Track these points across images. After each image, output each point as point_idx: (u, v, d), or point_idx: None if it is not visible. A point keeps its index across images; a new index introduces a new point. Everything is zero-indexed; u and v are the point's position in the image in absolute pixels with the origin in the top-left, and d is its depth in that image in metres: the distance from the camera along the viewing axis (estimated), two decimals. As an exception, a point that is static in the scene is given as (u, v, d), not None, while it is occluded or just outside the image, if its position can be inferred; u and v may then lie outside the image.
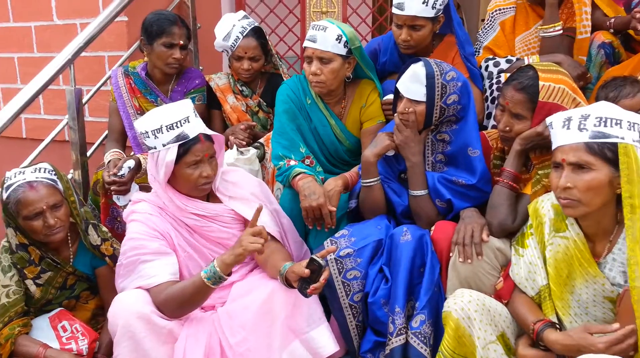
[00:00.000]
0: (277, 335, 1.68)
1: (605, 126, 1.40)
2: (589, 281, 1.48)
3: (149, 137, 1.75)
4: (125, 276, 1.74)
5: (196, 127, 1.76)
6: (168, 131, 1.73)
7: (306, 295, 1.62)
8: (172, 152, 1.72)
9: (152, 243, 1.74)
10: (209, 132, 1.82)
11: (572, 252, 1.50)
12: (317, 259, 1.60)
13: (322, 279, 1.59)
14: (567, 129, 1.45)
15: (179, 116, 1.74)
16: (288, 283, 1.68)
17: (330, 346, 1.74)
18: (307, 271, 1.59)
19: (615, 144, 1.39)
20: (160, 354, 1.64)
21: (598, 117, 1.41)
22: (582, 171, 1.42)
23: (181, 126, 1.73)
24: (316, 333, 1.73)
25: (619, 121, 1.40)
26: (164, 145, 1.73)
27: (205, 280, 1.61)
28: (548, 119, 1.54)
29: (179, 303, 1.65)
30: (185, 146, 1.74)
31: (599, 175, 1.40)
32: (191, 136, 1.74)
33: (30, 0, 3.07)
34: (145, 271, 1.70)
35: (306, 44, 2.13)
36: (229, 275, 1.64)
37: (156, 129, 1.73)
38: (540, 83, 1.70)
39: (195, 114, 1.80)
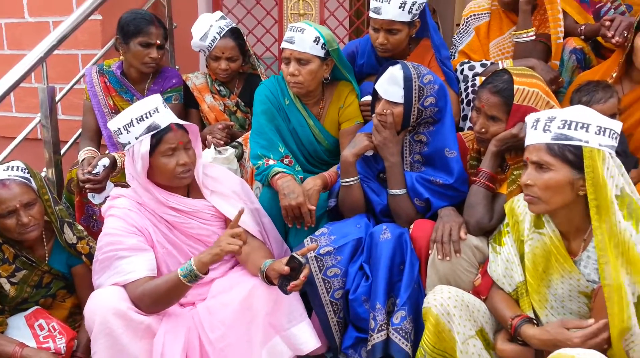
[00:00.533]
0: (257, 331, 1.68)
1: (569, 128, 1.44)
2: (564, 277, 1.53)
3: (121, 133, 1.76)
4: (101, 272, 1.72)
5: (167, 117, 1.78)
6: (138, 122, 1.74)
7: (286, 292, 1.62)
8: (146, 143, 1.72)
9: (129, 239, 1.72)
10: (182, 122, 1.82)
11: (549, 248, 1.55)
12: (297, 257, 1.60)
13: (302, 276, 1.60)
14: (535, 130, 1.50)
15: (148, 107, 1.76)
16: (268, 281, 1.68)
17: (311, 342, 1.74)
18: (287, 268, 1.59)
19: (579, 148, 1.43)
20: (138, 349, 1.63)
21: (563, 120, 1.45)
22: (542, 170, 1.47)
23: (151, 116, 1.75)
24: (297, 330, 1.73)
25: (585, 125, 1.43)
26: (136, 138, 1.74)
27: (181, 277, 1.60)
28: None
29: (155, 299, 1.63)
30: (158, 136, 1.74)
31: (556, 175, 1.45)
32: (162, 126, 1.75)
33: (1, -3, 3.00)
34: (122, 267, 1.69)
35: (284, 45, 2.15)
36: (206, 273, 1.63)
37: (127, 124, 1.74)
38: (515, 87, 1.74)
39: (165, 106, 1.81)
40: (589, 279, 1.51)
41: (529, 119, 1.54)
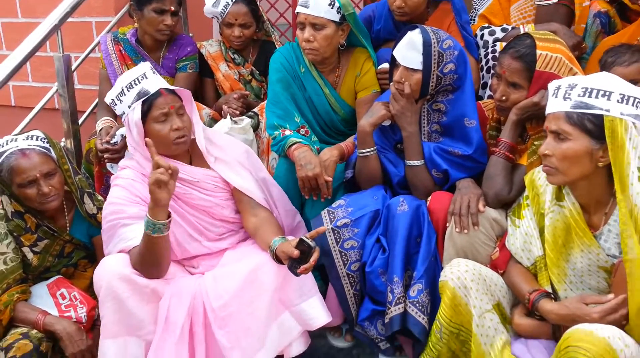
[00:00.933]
0: (263, 304, 1.68)
1: (589, 96, 1.39)
2: (584, 251, 1.51)
3: (116, 104, 1.79)
4: (108, 241, 1.75)
5: (156, 82, 1.78)
6: (128, 90, 1.76)
7: (296, 274, 1.62)
8: (137, 109, 1.74)
9: (131, 207, 1.74)
10: (172, 87, 1.82)
11: (569, 221, 1.52)
12: (307, 240, 1.59)
13: (311, 260, 1.59)
14: (555, 98, 1.46)
15: (136, 74, 1.78)
16: (278, 260, 1.68)
17: (321, 317, 1.74)
18: (296, 252, 1.59)
19: (599, 116, 1.38)
20: (144, 312, 1.66)
21: (584, 88, 1.41)
22: (560, 139, 1.43)
23: (139, 82, 1.76)
24: (307, 305, 1.74)
25: (607, 93, 1.38)
26: (129, 107, 1.75)
27: (145, 231, 1.61)
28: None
29: (140, 260, 1.64)
30: (148, 102, 1.75)
31: (574, 145, 1.41)
32: (152, 91, 1.75)
33: (13, -37, 2.97)
34: (125, 234, 1.71)
35: (299, 9, 2.10)
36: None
37: (119, 94, 1.77)
38: (538, 52, 1.69)
39: (154, 72, 1.81)
40: (609, 254, 1.49)
41: (551, 86, 1.50)
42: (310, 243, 1.59)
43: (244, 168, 1.90)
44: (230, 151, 1.92)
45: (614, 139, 1.37)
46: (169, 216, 1.62)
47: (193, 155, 1.90)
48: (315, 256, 1.60)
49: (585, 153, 1.41)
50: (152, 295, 1.68)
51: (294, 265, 1.60)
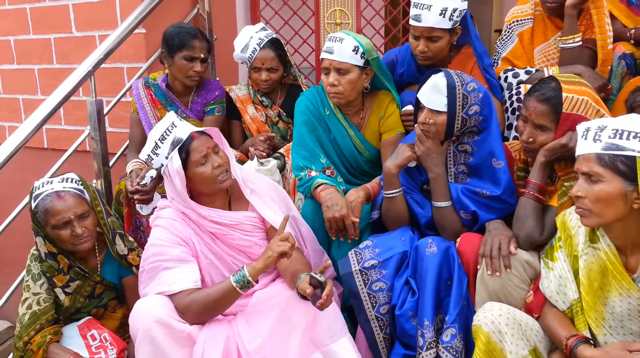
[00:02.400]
0: (295, 345, 1.67)
1: (620, 138, 1.39)
2: (623, 295, 1.47)
3: (152, 159, 1.82)
4: (147, 282, 1.76)
5: (186, 128, 1.82)
6: (162, 142, 1.79)
7: (320, 309, 1.62)
8: (176, 159, 1.77)
9: (173, 249, 1.76)
10: (200, 129, 1.86)
11: (605, 263, 1.49)
12: (315, 276, 1.59)
13: (323, 294, 1.57)
14: (585, 140, 1.46)
15: (165, 124, 1.81)
16: (302, 296, 1.68)
17: None
18: (309, 289, 1.59)
19: (631, 158, 1.38)
20: (179, 357, 1.65)
21: (614, 129, 1.41)
22: (592, 181, 1.42)
23: (171, 132, 1.79)
24: (337, 346, 1.71)
25: (638, 134, 1.38)
26: (166, 157, 1.78)
27: (233, 283, 1.65)
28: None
29: (205, 307, 1.67)
30: (184, 148, 1.79)
31: (607, 187, 1.40)
32: (184, 137, 1.79)
33: (50, 13, 3.10)
34: (166, 278, 1.72)
35: (323, 55, 2.15)
36: (257, 281, 1.66)
37: (153, 148, 1.80)
38: (564, 94, 1.70)
39: (180, 119, 1.85)
40: (649, 297, 1.45)
41: (580, 128, 1.49)
42: (319, 277, 1.59)
43: (276, 204, 1.93)
44: (262, 189, 1.95)
45: None
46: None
47: (232, 197, 1.93)
48: (327, 290, 1.58)
49: (619, 195, 1.40)
50: (188, 340, 1.68)
51: (315, 300, 1.60)
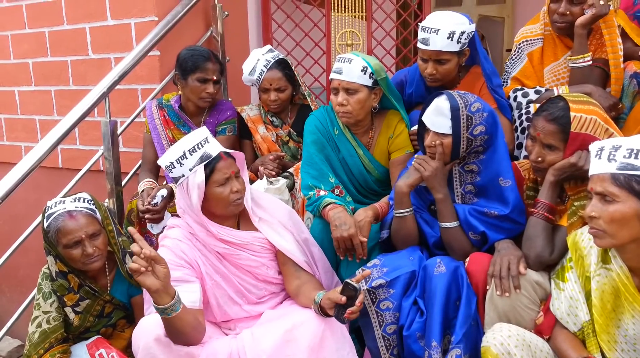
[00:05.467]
0: None
1: (635, 158, 1.38)
2: (636, 317, 1.45)
3: (174, 167, 1.80)
4: (150, 301, 1.75)
5: (216, 146, 1.83)
6: (191, 154, 1.78)
7: (343, 321, 1.61)
8: (200, 173, 1.77)
9: (176, 271, 1.75)
10: (228, 150, 1.87)
11: (618, 285, 1.47)
12: (352, 283, 1.58)
13: (357, 302, 1.57)
14: (599, 159, 1.44)
15: (199, 138, 1.81)
16: (323, 312, 1.67)
17: None
18: (343, 298, 1.58)
19: None
20: None
21: (629, 149, 1.39)
22: (607, 202, 1.40)
23: (202, 146, 1.80)
24: None
25: None
26: (190, 169, 1.78)
27: (157, 312, 1.59)
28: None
29: (168, 333, 1.64)
30: (211, 166, 1.79)
31: (623, 207, 1.38)
32: (214, 155, 1.80)
33: (67, 36, 3.19)
34: None
35: (332, 76, 2.18)
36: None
37: (180, 157, 1.79)
38: (572, 114, 1.70)
39: (212, 136, 1.86)
40: (662, 320, 1.43)
41: (593, 147, 1.48)
42: (356, 285, 1.58)
43: (287, 230, 1.92)
44: (274, 213, 1.95)
45: None
46: (173, 295, 1.59)
47: (241, 218, 1.94)
48: (361, 298, 1.58)
49: (634, 216, 1.38)
50: (187, 357, 1.67)
51: (340, 311, 1.59)
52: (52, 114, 3.35)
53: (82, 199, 1.92)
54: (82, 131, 3.20)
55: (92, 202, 1.94)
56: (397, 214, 1.94)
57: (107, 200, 2.53)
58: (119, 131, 2.63)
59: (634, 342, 1.47)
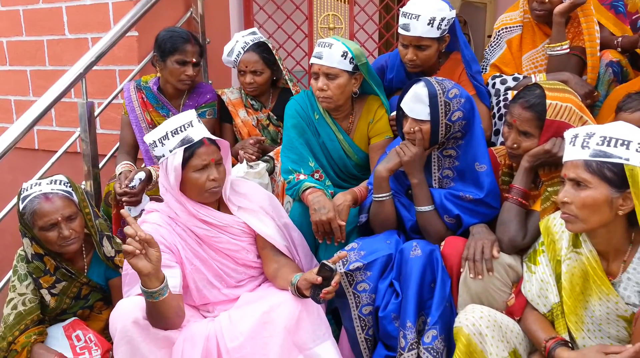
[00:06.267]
0: (276, 346, 1.66)
1: (608, 145, 1.41)
2: (602, 299, 1.49)
3: (156, 146, 1.81)
4: (128, 285, 1.77)
5: (200, 131, 1.81)
6: (173, 136, 1.79)
7: (319, 301, 1.63)
8: (179, 156, 1.77)
9: None
10: (214, 137, 1.86)
11: (587, 268, 1.51)
12: (328, 264, 1.61)
13: (333, 283, 1.60)
14: (573, 146, 1.47)
15: (183, 121, 1.81)
16: (300, 293, 1.69)
17: None
18: (319, 278, 1.60)
19: (618, 165, 1.39)
20: (157, 357, 1.65)
21: (602, 136, 1.42)
22: (579, 188, 1.43)
23: (185, 129, 1.79)
24: (320, 350, 1.71)
25: (626, 142, 1.39)
26: (170, 151, 1.78)
27: (143, 295, 1.60)
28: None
29: (149, 317, 1.65)
30: (191, 150, 1.79)
31: (594, 193, 1.41)
32: (195, 139, 1.79)
33: (43, 15, 3.12)
34: None
35: (313, 60, 2.17)
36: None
37: (162, 137, 1.79)
38: (547, 101, 1.72)
39: (199, 121, 1.85)
40: (628, 302, 1.47)
41: (567, 134, 1.51)
42: (332, 266, 1.60)
43: (267, 215, 1.93)
44: (254, 198, 1.95)
45: (636, 189, 1.37)
46: (162, 280, 1.59)
47: (221, 203, 1.94)
48: (337, 278, 1.61)
49: (605, 202, 1.41)
50: (166, 341, 1.68)
51: (316, 292, 1.62)
52: (28, 94, 3.29)
53: (58, 182, 1.90)
54: (58, 112, 3.15)
55: (69, 184, 1.92)
56: (376, 199, 1.96)
57: (84, 182, 2.50)
58: (96, 113, 2.59)
59: (600, 323, 1.51)
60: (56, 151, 2.64)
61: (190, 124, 1.81)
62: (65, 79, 2.42)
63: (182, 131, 1.79)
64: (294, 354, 1.70)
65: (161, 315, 1.63)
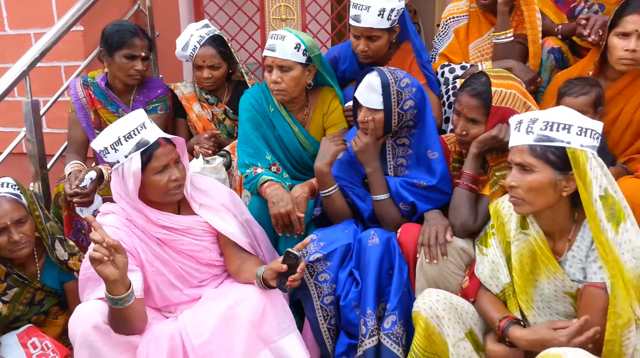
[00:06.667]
0: (242, 340, 1.67)
1: (551, 130, 1.46)
2: (550, 277, 1.56)
3: (108, 153, 1.73)
4: (87, 289, 1.72)
5: (154, 132, 1.76)
6: (127, 140, 1.71)
7: (285, 290, 1.64)
8: (136, 160, 1.70)
9: None
10: (168, 136, 1.81)
11: (534, 248, 1.58)
12: (293, 251, 1.61)
13: (299, 270, 1.61)
14: (518, 132, 1.52)
15: (135, 123, 1.73)
16: (266, 284, 1.69)
17: (300, 355, 1.73)
18: (284, 266, 1.61)
19: (561, 149, 1.45)
20: None
21: (545, 121, 1.48)
22: (525, 172, 1.49)
23: (139, 132, 1.72)
24: (285, 342, 1.73)
25: (567, 126, 1.45)
26: (125, 156, 1.71)
27: (107, 302, 1.58)
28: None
29: (112, 323, 1.62)
30: (148, 153, 1.73)
31: (539, 177, 1.47)
32: (151, 141, 1.73)
33: (-20, 10, 2.98)
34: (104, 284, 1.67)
35: (266, 53, 2.17)
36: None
37: (114, 143, 1.71)
38: (493, 89, 1.78)
39: (150, 121, 1.79)
40: (573, 279, 1.54)
41: (512, 120, 1.56)
42: (297, 253, 1.61)
43: (229, 212, 1.91)
44: (215, 196, 1.92)
45: (578, 170, 1.43)
46: (128, 287, 1.57)
47: (181, 203, 1.89)
48: (302, 265, 1.62)
49: (550, 184, 1.47)
50: (127, 345, 1.66)
51: (283, 280, 1.62)
52: (-33, 93, 3.13)
53: (5, 185, 1.84)
54: (1, 112, 3.01)
55: (17, 187, 1.86)
56: (324, 194, 1.98)
57: (32, 184, 2.42)
58: (41, 112, 2.50)
59: (549, 300, 1.59)
60: (1, 153, 2.54)
61: (142, 126, 1.74)
62: (7, 78, 2.33)
63: (135, 135, 1.71)
64: (259, 347, 1.71)
65: (125, 321, 1.60)
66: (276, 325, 1.72)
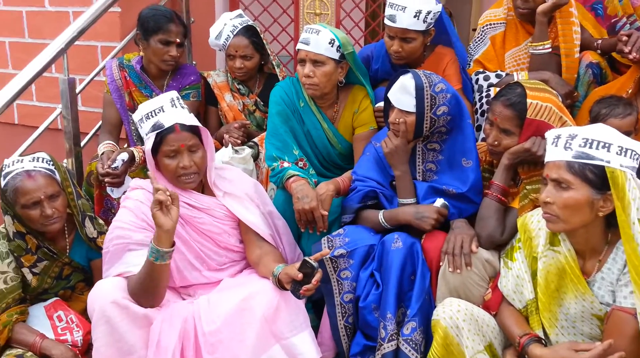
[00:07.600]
0: (253, 334, 1.67)
1: (590, 147, 1.43)
2: (578, 298, 1.53)
3: (140, 127, 1.85)
4: (109, 263, 1.76)
5: (172, 116, 1.79)
6: (146, 120, 1.81)
7: (299, 297, 1.65)
8: (150, 141, 1.78)
9: (137, 234, 1.76)
10: (191, 123, 1.83)
11: (564, 267, 1.55)
12: (310, 261, 1.62)
13: (314, 281, 1.61)
14: (555, 147, 1.50)
15: (155, 105, 1.81)
16: (281, 285, 1.70)
17: (311, 353, 1.72)
18: (300, 275, 1.62)
19: (600, 167, 1.42)
20: (135, 337, 1.66)
21: (585, 138, 1.45)
22: (561, 188, 1.46)
23: (155, 115, 1.79)
24: (297, 340, 1.72)
25: (607, 145, 1.42)
26: (146, 134, 1.81)
27: (149, 257, 1.63)
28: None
29: (139, 288, 1.66)
30: (161, 135, 1.79)
31: (576, 194, 1.44)
32: (166, 126, 1.78)
33: (21, -15, 3.03)
34: (128, 259, 1.73)
35: (299, 46, 2.17)
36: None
37: (139, 120, 1.83)
38: (528, 101, 1.76)
39: (173, 105, 1.82)
40: (602, 301, 1.52)
41: (549, 135, 1.53)
42: (313, 263, 1.62)
43: (252, 202, 1.93)
44: (239, 185, 1.95)
45: (617, 191, 1.40)
46: (173, 244, 1.64)
47: (205, 184, 1.93)
48: (317, 276, 1.62)
49: (586, 203, 1.44)
50: (144, 320, 1.68)
51: (297, 287, 1.63)
52: (7, 66, 3.19)
53: (41, 159, 1.88)
54: (39, 87, 3.08)
55: (52, 162, 1.90)
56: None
57: (65, 160, 2.46)
58: (77, 90, 2.54)
59: (574, 320, 1.56)
60: (36, 127, 2.58)
61: (161, 109, 1.80)
62: (46, 54, 2.36)
63: (153, 116, 1.79)
64: (270, 343, 1.71)
65: (155, 282, 1.65)
66: (289, 322, 1.72)
